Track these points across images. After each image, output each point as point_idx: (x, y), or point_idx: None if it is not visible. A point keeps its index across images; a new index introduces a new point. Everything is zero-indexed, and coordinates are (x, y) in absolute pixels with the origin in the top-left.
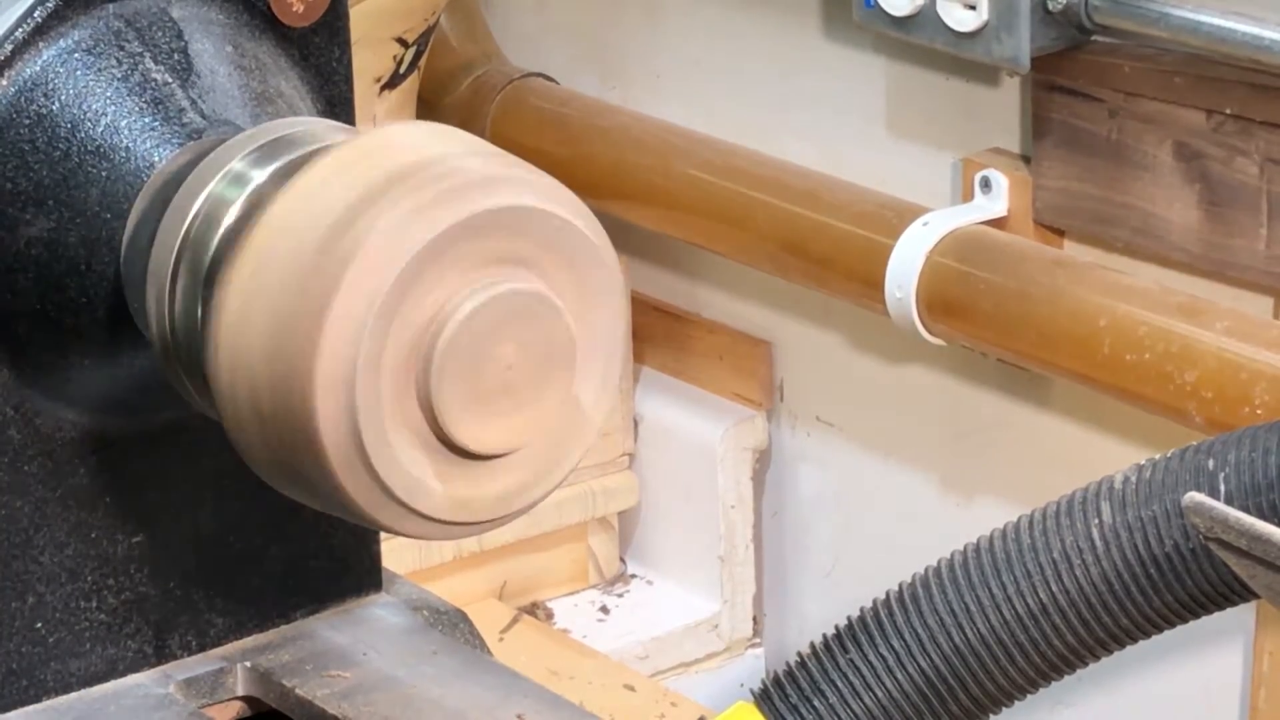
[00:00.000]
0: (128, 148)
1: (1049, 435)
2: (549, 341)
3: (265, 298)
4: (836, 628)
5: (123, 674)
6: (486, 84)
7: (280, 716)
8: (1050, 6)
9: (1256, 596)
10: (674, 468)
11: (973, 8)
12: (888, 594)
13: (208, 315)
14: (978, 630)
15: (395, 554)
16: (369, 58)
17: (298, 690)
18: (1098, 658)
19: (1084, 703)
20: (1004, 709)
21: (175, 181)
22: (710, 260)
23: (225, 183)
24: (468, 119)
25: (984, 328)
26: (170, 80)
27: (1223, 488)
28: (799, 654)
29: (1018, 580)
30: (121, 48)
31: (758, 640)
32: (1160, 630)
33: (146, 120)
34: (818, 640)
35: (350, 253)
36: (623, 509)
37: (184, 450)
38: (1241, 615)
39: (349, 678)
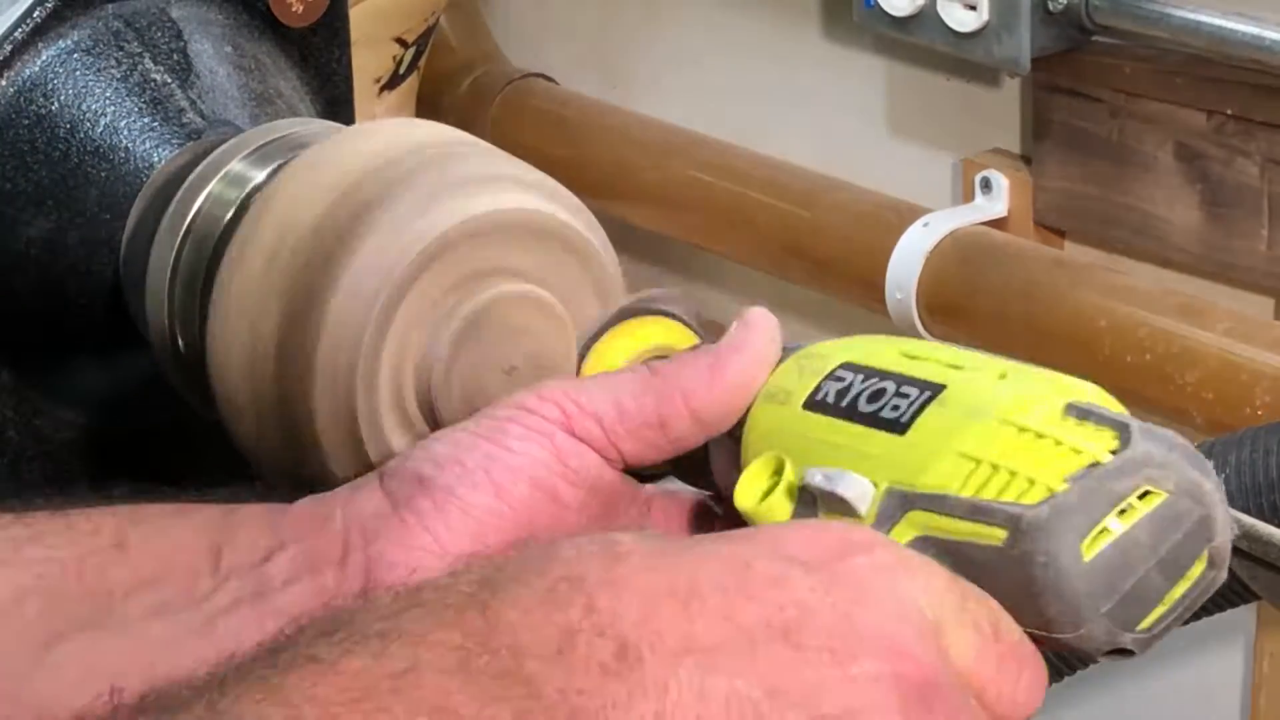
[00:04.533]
0: (127, 148)
1: None
2: (549, 343)
3: (259, 302)
4: None
5: None
6: (486, 84)
7: None
8: (1051, 7)
9: (1257, 597)
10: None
11: (973, 8)
12: None
13: (207, 316)
14: None
15: None
16: (368, 58)
17: None
18: None
19: (1084, 703)
20: None
21: (175, 182)
22: (710, 260)
23: (225, 183)
24: (468, 119)
25: (984, 328)
26: (170, 81)
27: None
28: None
29: None
30: (121, 48)
31: None
32: None
33: (146, 121)
34: None
35: (349, 254)
36: None
37: (184, 450)
38: (1241, 616)
39: None
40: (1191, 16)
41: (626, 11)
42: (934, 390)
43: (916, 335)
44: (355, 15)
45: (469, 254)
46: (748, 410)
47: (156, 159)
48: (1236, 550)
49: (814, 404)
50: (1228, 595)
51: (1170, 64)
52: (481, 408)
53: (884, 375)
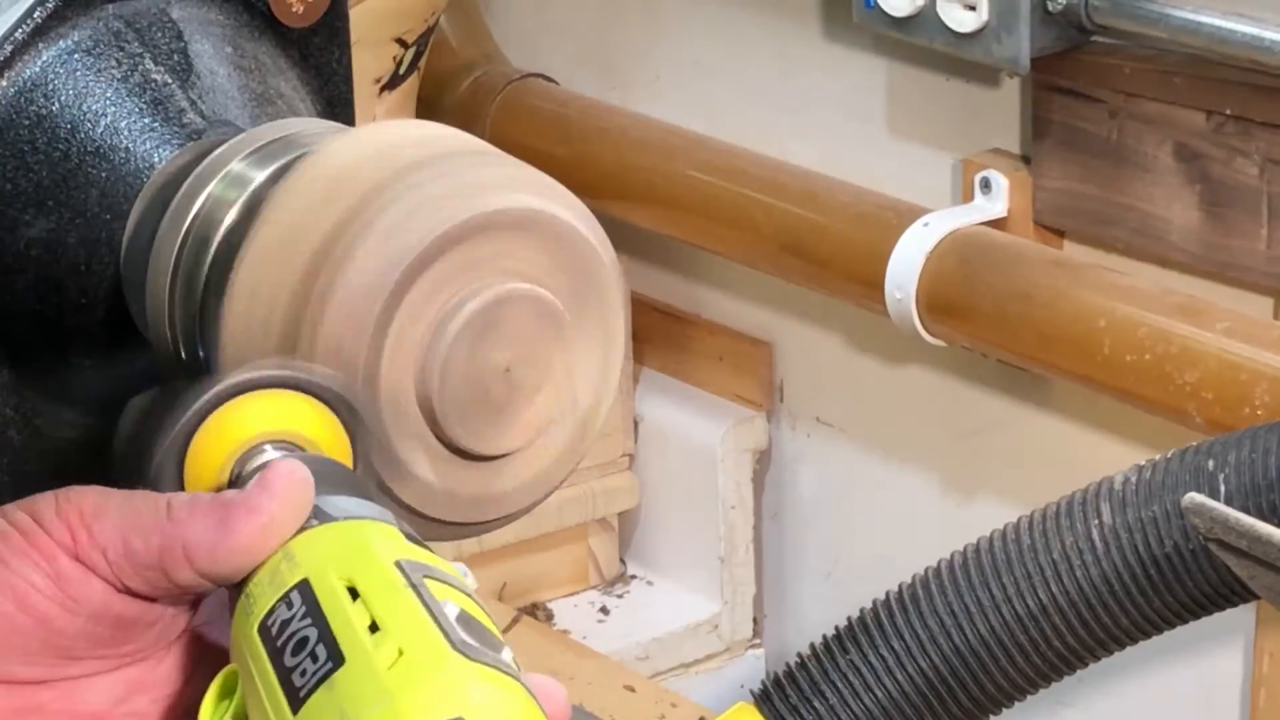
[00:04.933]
0: (128, 148)
1: (1049, 435)
2: (549, 343)
3: (264, 300)
4: (836, 629)
5: None
6: (486, 85)
7: None
8: (1050, 7)
9: (1256, 597)
10: (674, 468)
11: (973, 8)
12: (888, 595)
13: (207, 316)
14: (978, 631)
15: None
16: (369, 58)
17: None
18: (1098, 658)
19: (1084, 703)
20: (1004, 709)
21: (175, 182)
22: (710, 261)
23: (225, 183)
24: (468, 120)
25: (984, 328)
26: (170, 81)
27: (1223, 488)
28: (799, 655)
29: (1018, 581)
30: (121, 48)
31: (758, 641)
32: (1160, 631)
33: (146, 121)
34: (818, 641)
35: (348, 253)
36: (623, 510)
37: None
38: (1241, 616)
39: None
40: (1191, 16)
41: (626, 11)
42: (334, 664)
43: (916, 335)
44: (355, 15)
45: (469, 253)
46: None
47: (157, 159)
48: (1236, 550)
49: (264, 629)
50: (1227, 595)
51: (1170, 64)
52: (482, 409)
53: (317, 616)
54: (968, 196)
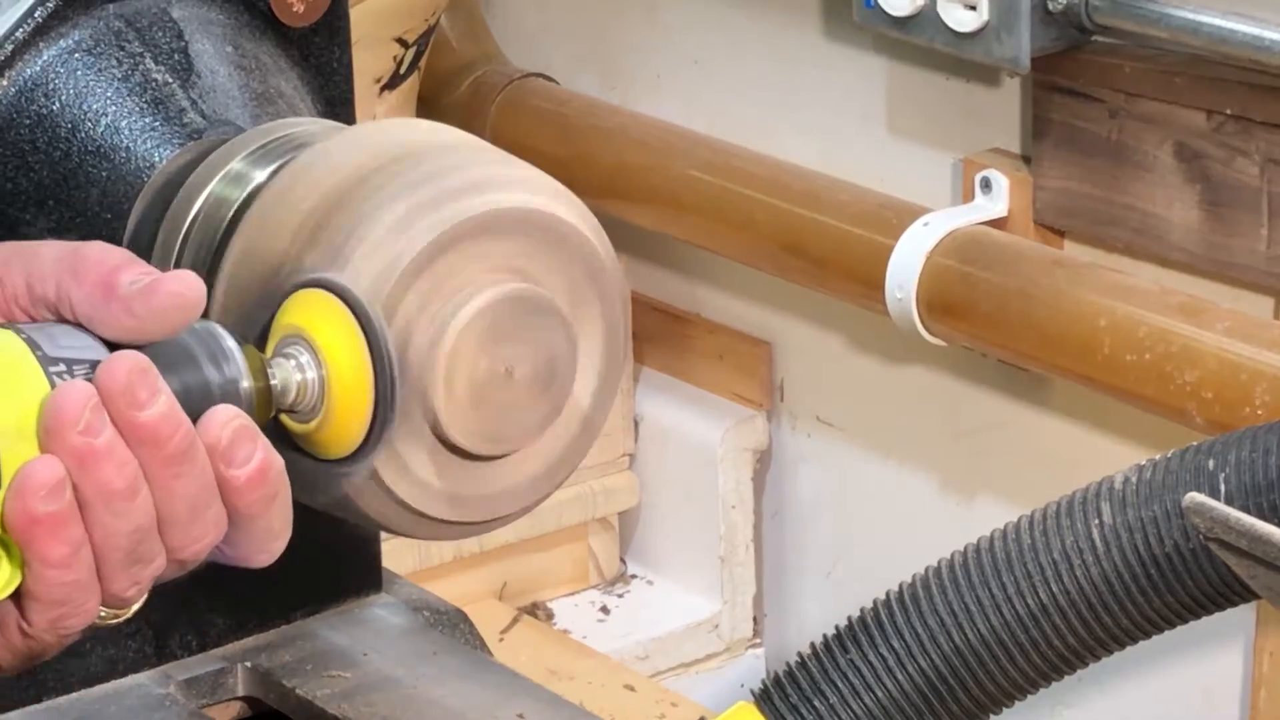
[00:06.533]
0: (128, 148)
1: (1049, 435)
2: (549, 342)
3: (266, 299)
4: (837, 628)
5: (123, 674)
6: (486, 84)
7: (280, 716)
8: (1050, 7)
9: (1257, 597)
10: (674, 468)
11: (973, 8)
12: (888, 594)
13: (207, 316)
14: (978, 630)
15: (395, 554)
16: (369, 58)
17: (298, 690)
18: (1098, 658)
19: (1084, 703)
20: (1004, 709)
21: (175, 182)
22: (710, 260)
23: (225, 183)
24: (468, 119)
25: (984, 328)
26: (170, 80)
27: (1223, 488)
28: (799, 654)
29: (1018, 580)
30: (122, 48)
31: (758, 640)
32: (1160, 630)
33: (147, 120)
34: (818, 640)
35: (350, 253)
36: (623, 509)
37: None
38: (1241, 616)
39: (349, 678)
40: (1191, 16)
41: (626, 11)
42: None
43: (916, 334)
44: (355, 15)
45: (469, 253)
46: None
47: (157, 159)
48: (1236, 549)
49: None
50: (1228, 595)
51: (1170, 64)
52: (483, 409)
53: None
54: (968, 196)
